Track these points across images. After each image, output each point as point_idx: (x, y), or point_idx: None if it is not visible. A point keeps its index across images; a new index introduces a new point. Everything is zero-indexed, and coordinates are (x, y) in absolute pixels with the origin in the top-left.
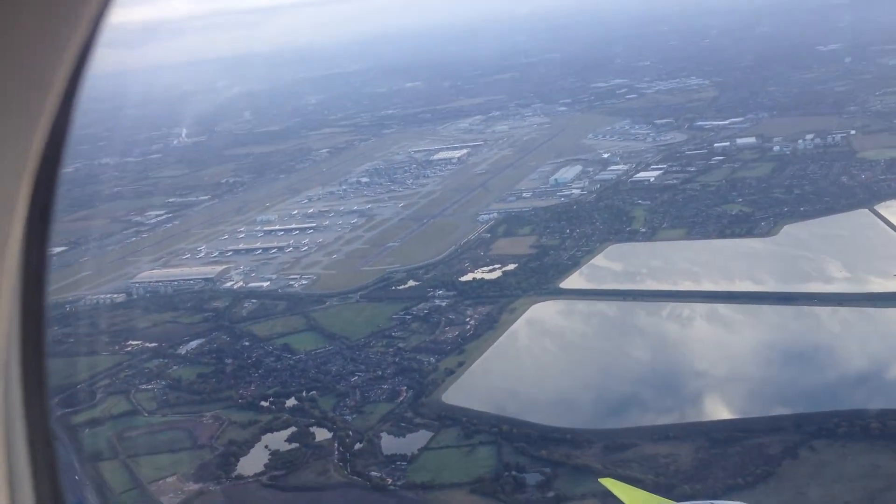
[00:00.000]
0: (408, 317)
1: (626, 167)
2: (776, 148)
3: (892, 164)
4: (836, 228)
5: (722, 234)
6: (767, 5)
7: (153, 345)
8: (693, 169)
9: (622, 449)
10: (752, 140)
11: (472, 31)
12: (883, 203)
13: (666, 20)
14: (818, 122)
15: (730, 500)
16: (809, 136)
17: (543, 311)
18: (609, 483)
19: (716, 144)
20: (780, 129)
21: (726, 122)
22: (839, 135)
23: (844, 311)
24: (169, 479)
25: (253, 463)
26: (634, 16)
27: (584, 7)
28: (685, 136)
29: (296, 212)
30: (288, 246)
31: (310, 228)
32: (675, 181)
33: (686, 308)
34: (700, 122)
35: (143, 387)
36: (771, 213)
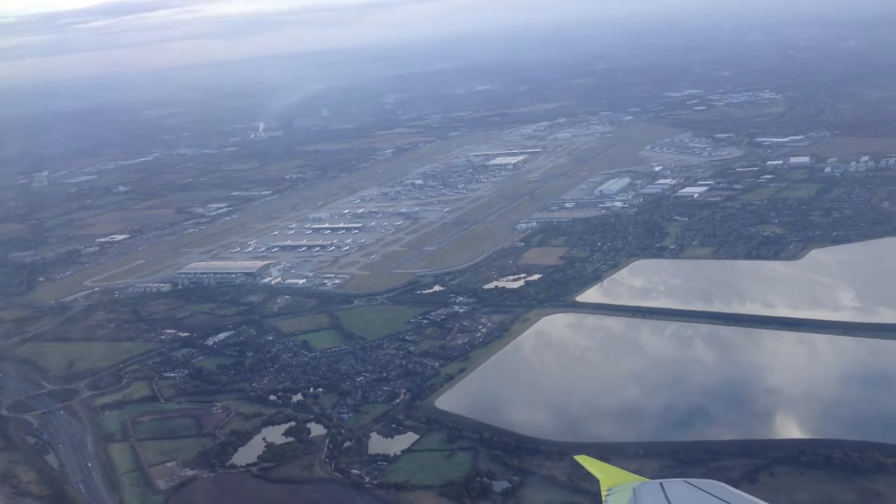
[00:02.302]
0: (424, 321)
1: (673, 181)
2: (827, 169)
3: None
4: (863, 255)
5: (748, 256)
6: (863, 19)
7: (185, 334)
8: (739, 186)
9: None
10: (805, 159)
11: (564, 32)
12: None
13: (758, 29)
14: (879, 143)
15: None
16: (864, 159)
17: (553, 323)
18: (583, 460)
19: (768, 162)
20: (838, 150)
21: (786, 139)
22: (894, 158)
23: (842, 340)
24: (168, 464)
25: (248, 454)
26: (727, 24)
27: (676, 13)
28: (742, 151)
29: (346, 211)
30: (331, 245)
31: (355, 228)
32: (717, 198)
33: (689, 328)
34: (760, 139)
35: (167, 374)
36: (803, 236)
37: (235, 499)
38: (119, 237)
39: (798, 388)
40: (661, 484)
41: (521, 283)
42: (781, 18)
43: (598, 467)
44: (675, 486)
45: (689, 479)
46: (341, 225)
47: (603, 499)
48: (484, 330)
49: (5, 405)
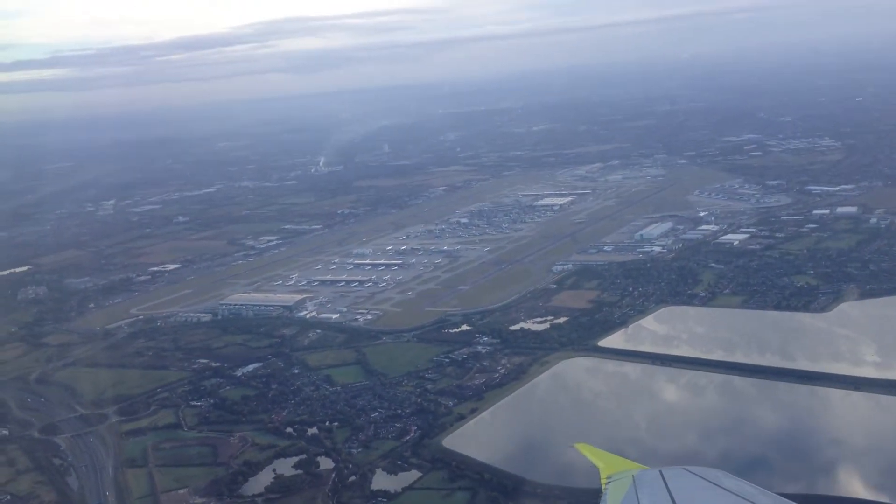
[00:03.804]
0: (446, 360)
1: (716, 227)
2: (873, 220)
3: None
4: (894, 310)
5: (777, 306)
6: None
7: (217, 364)
8: (781, 235)
9: None
10: (852, 209)
11: (634, 72)
12: None
13: (829, 73)
14: None
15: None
16: None
17: (571, 367)
18: (582, 448)
19: (815, 211)
20: (887, 201)
21: (836, 188)
22: None
23: (856, 396)
24: (180, 491)
25: (257, 484)
26: (798, 68)
27: (750, 55)
28: (790, 199)
29: (390, 247)
30: (369, 281)
31: (395, 265)
32: (757, 246)
33: (704, 378)
34: (811, 187)
35: (194, 403)
36: (836, 288)
37: None
38: (171, 266)
39: (793, 441)
40: (660, 472)
41: (547, 325)
42: (856, 63)
43: (597, 455)
44: (675, 473)
45: (688, 467)
46: (382, 261)
47: (603, 487)
48: (503, 371)
49: (37, 427)
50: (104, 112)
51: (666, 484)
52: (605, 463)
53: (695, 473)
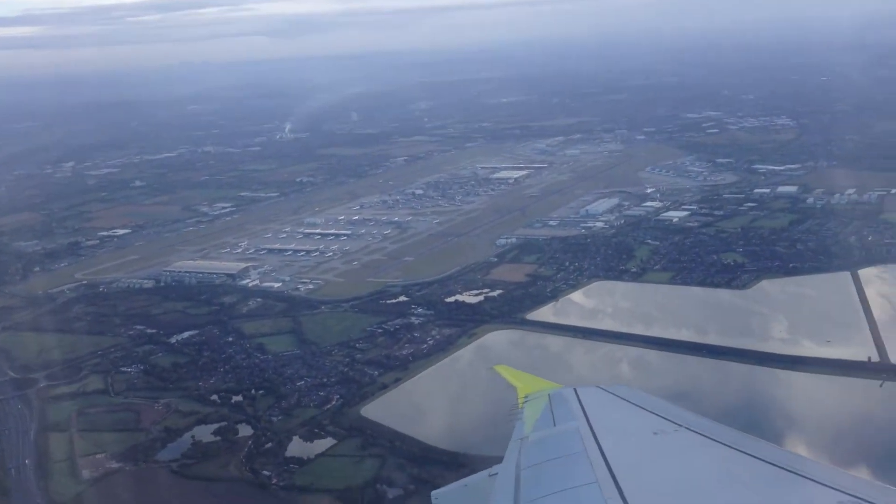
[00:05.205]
0: (379, 330)
1: (660, 204)
2: (810, 200)
3: None
4: (810, 288)
5: (702, 283)
6: None
7: (153, 331)
8: (720, 213)
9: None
10: (792, 189)
11: (615, 44)
12: (868, 268)
13: (803, 52)
14: (870, 177)
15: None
16: (850, 192)
17: (496, 339)
18: (501, 369)
19: (756, 190)
20: (828, 181)
21: (783, 167)
22: (878, 193)
23: (757, 370)
24: (98, 456)
25: (174, 450)
26: (775, 44)
27: (740, 29)
28: (736, 177)
29: (342, 217)
30: (316, 250)
31: (344, 235)
32: (695, 223)
33: (620, 351)
34: (758, 165)
35: (124, 369)
36: (760, 267)
37: (147, 491)
38: (120, 231)
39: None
40: (574, 390)
41: (482, 298)
42: (837, 41)
43: (515, 376)
44: (589, 391)
45: (602, 385)
46: (332, 231)
47: (520, 406)
48: (431, 342)
49: None
50: (75, 71)
51: (580, 400)
52: (522, 383)
53: (608, 391)
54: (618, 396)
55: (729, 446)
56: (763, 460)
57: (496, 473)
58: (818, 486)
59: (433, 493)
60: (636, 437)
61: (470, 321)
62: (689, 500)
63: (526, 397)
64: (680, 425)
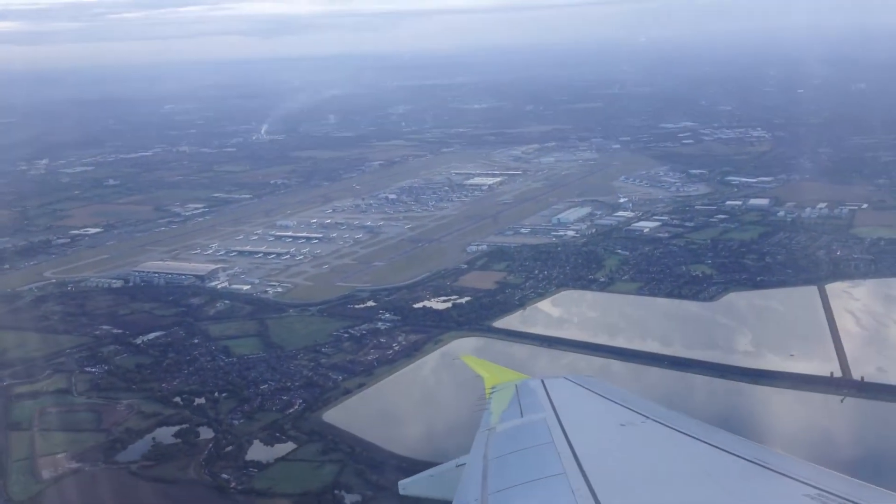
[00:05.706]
0: (345, 335)
1: (632, 214)
2: (781, 213)
3: (875, 244)
4: (776, 302)
5: (669, 294)
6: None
7: (118, 331)
8: (691, 224)
9: None
10: (764, 202)
11: (590, 53)
12: (835, 282)
13: (780, 64)
14: (842, 191)
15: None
16: (822, 205)
17: (460, 347)
18: (468, 360)
19: (728, 202)
20: (800, 194)
21: (755, 179)
22: (849, 207)
23: (718, 383)
24: (58, 456)
25: (133, 452)
26: (753, 56)
27: (716, 41)
28: (709, 189)
29: (314, 220)
30: (286, 253)
31: (315, 238)
32: (666, 234)
33: (583, 361)
34: (731, 177)
35: (88, 369)
36: (728, 279)
37: (104, 492)
38: (92, 230)
39: None
40: (542, 380)
41: (450, 304)
42: (814, 54)
43: (483, 367)
44: (557, 382)
45: (569, 376)
46: (303, 234)
47: (487, 397)
48: (397, 348)
49: None
50: (54, 68)
51: (547, 391)
52: (489, 374)
53: (575, 382)
54: (585, 388)
55: (696, 438)
56: (730, 452)
57: (463, 464)
58: (784, 478)
59: (401, 482)
60: (604, 428)
61: (437, 328)
62: (657, 491)
63: (493, 388)
64: (647, 417)
